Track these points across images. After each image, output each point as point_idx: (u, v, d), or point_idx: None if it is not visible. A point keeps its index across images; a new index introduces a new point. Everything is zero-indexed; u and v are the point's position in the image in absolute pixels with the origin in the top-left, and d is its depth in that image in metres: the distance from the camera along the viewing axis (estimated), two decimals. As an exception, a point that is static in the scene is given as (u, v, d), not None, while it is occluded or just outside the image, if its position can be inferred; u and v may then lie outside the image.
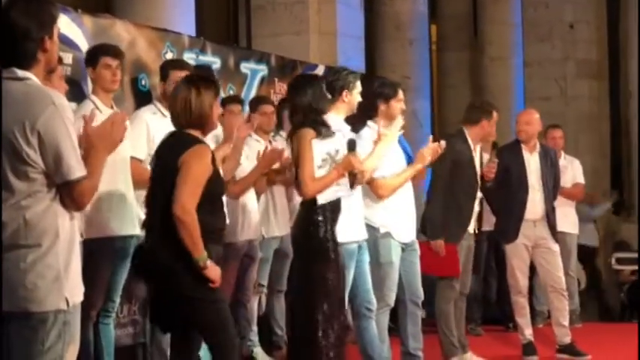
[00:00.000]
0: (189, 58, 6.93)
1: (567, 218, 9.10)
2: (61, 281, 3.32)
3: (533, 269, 7.80)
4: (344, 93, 5.78)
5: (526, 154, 7.53)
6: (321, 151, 5.32)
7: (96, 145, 3.43)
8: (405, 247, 6.25)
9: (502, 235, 7.69)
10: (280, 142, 6.95)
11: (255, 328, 7.05)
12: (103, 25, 6.28)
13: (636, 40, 14.67)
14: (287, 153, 6.17)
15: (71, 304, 3.35)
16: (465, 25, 15.05)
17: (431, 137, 6.43)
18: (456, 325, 7.10)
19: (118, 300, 5.63)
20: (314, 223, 5.28)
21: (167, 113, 5.85)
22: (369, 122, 6.24)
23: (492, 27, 14.44)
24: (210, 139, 5.10)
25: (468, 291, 7.44)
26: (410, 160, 6.33)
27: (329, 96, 5.53)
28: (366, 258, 5.83)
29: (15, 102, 3.27)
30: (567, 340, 7.51)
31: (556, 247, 7.55)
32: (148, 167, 5.61)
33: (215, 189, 4.58)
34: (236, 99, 6.95)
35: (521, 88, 14.53)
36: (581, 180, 9.60)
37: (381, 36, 12.71)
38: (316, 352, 5.24)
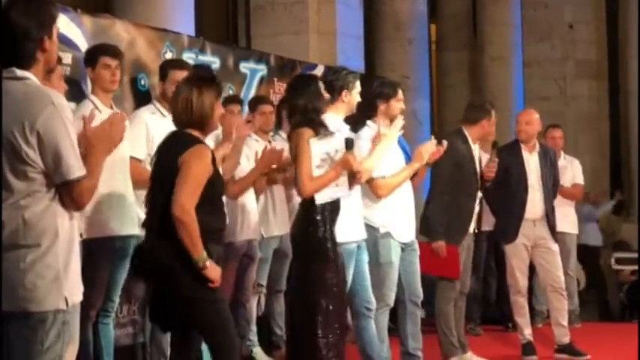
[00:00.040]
0: (189, 58, 6.93)
1: (567, 218, 9.09)
2: (61, 281, 3.32)
3: (532, 269, 7.80)
4: (343, 93, 5.78)
5: (525, 154, 7.53)
6: (320, 151, 5.31)
7: (94, 146, 3.43)
8: (405, 247, 6.25)
9: (502, 235, 7.68)
10: (279, 142, 6.94)
11: (254, 327, 7.05)
12: (102, 25, 6.28)
13: (636, 40, 14.68)
14: (287, 153, 6.16)
15: (70, 303, 3.35)
16: (465, 25, 15.06)
17: (433, 137, 6.42)
18: (456, 325, 7.09)
19: (117, 300, 5.63)
20: (313, 223, 5.28)
21: (166, 113, 5.88)
22: (369, 122, 6.23)
23: (492, 27, 14.46)
24: (210, 139, 5.10)
25: (468, 290, 7.43)
26: (409, 160, 6.32)
27: (327, 95, 5.53)
28: (365, 258, 5.83)
29: (14, 102, 3.28)
30: (566, 340, 7.51)
31: (555, 247, 7.55)
32: (148, 167, 5.62)
33: (215, 189, 4.58)
34: (235, 99, 6.94)
35: (520, 88, 14.54)
36: (580, 180, 9.60)
37: (381, 36, 12.73)
38: (315, 352, 5.24)
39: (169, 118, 5.81)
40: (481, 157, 7.37)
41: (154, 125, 5.81)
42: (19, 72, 3.33)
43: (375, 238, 6.05)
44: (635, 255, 11.84)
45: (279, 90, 7.99)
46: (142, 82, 6.55)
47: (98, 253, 5.30)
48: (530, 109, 8.39)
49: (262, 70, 7.98)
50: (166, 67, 6.10)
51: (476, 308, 9.07)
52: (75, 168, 3.30)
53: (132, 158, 5.60)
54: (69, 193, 3.32)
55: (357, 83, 5.85)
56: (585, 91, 15.45)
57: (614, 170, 15.69)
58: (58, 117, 3.27)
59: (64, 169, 3.28)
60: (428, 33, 13.29)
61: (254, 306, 7.09)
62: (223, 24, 11.99)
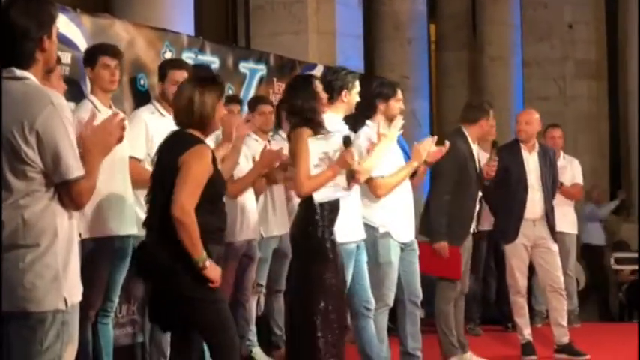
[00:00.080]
0: (188, 57, 6.93)
1: (566, 218, 9.09)
2: (60, 281, 3.32)
3: (532, 269, 7.80)
4: (343, 93, 5.78)
5: (525, 153, 7.52)
6: (318, 151, 5.31)
7: (90, 149, 3.43)
8: (404, 247, 6.25)
9: (502, 235, 7.68)
10: (279, 142, 6.94)
11: (253, 327, 7.05)
12: (101, 25, 6.28)
13: (635, 40, 14.68)
14: (286, 153, 6.16)
15: (70, 303, 3.35)
16: (464, 25, 15.06)
17: (435, 138, 6.41)
18: (456, 325, 7.09)
19: (116, 300, 5.63)
20: (313, 223, 5.28)
21: (166, 113, 5.89)
22: (368, 122, 6.23)
23: (491, 27, 14.45)
24: (210, 139, 5.09)
25: (467, 290, 7.43)
26: (409, 160, 6.31)
27: (324, 95, 5.52)
28: (364, 257, 5.84)
29: (14, 102, 3.28)
30: (565, 339, 7.51)
31: (555, 247, 7.55)
32: (147, 167, 5.62)
33: (216, 189, 4.58)
34: (235, 99, 6.95)
35: (520, 88, 14.54)
36: (579, 180, 9.60)
37: (380, 35, 12.72)
38: (315, 351, 5.24)
39: (169, 117, 5.83)
40: (480, 156, 7.37)
41: (153, 125, 5.81)
42: (19, 72, 3.33)
43: (374, 238, 6.05)
44: (634, 255, 11.84)
45: (278, 90, 7.98)
46: (142, 82, 6.55)
47: (97, 253, 5.30)
48: (530, 109, 8.39)
49: (262, 69, 7.98)
50: (165, 67, 6.10)
51: (475, 308, 9.07)
52: (74, 168, 3.30)
53: (131, 158, 5.60)
54: (68, 193, 3.32)
55: (357, 83, 5.85)
56: (585, 91, 15.45)
57: (614, 170, 15.68)
58: (57, 117, 3.27)
59: (63, 169, 3.28)
60: (427, 33, 13.29)
61: (253, 306, 7.09)
62: (223, 24, 12.00)
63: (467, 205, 7.01)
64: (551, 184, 7.65)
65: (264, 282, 7.16)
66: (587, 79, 15.48)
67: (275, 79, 8.11)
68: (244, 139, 5.98)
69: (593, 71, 15.53)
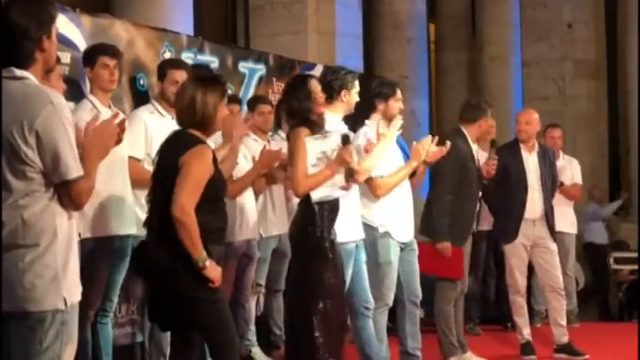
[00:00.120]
0: (188, 57, 6.93)
1: (565, 218, 9.09)
2: (59, 281, 3.32)
3: (531, 269, 7.80)
4: (342, 93, 5.78)
5: (525, 153, 7.52)
6: (316, 150, 5.31)
7: (89, 150, 3.43)
8: (404, 247, 6.25)
9: (501, 234, 7.67)
10: (278, 142, 6.94)
11: (253, 327, 7.05)
12: (101, 25, 6.28)
13: (635, 40, 14.68)
14: (286, 153, 6.16)
15: (69, 303, 3.35)
16: (464, 25, 15.06)
17: (436, 138, 6.40)
18: (455, 325, 7.09)
19: (116, 299, 5.63)
20: (312, 223, 5.28)
21: (165, 113, 5.89)
22: (367, 122, 6.23)
23: (491, 27, 14.46)
24: (210, 140, 5.09)
25: (467, 290, 7.43)
26: (408, 160, 6.31)
27: (321, 95, 5.51)
28: (363, 257, 5.84)
29: (13, 101, 3.27)
30: (565, 339, 7.51)
31: (554, 247, 7.55)
32: (146, 166, 5.62)
33: (216, 189, 4.57)
34: (234, 99, 6.94)
35: (519, 87, 14.55)
36: (579, 180, 9.60)
37: (380, 35, 12.73)
38: (313, 351, 5.24)
39: (168, 117, 5.84)
40: (479, 155, 7.36)
41: (152, 125, 5.81)
42: (18, 72, 3.33)
43: (374, 238, 6.05)
44: (633, 255, 11.85)
45: (277, 90, 7.98)
46: (141, 82, 6.55)
47: (97, 252, 5.30)
48: (530, 109, 8.40)
49: (261, 69, 7.98)
50: (165, 67, 6.09)
51: (475, 308, 9.07)
52: (73, 168, 3.30)
53: (131, 158, 5.59)
54: (67, 193, 3.32)
55: (356, 83, 5.85)
56: (584, 91, 15.45)
57: (613, 170, 15.69)
58: (56, 117, 3.27)
59: (62, 169, 3.28)
60: (427, 32, 13.30)
61: (253, 306, 7.08)
62: (222, 24, 12.01)
63: (468, 205, 7.01)
64: (551, 184, 7.65)
65: (263, 282, 7.16)
66: (586, 79, 15.48)
67: (274, 79, 8.11)
68: (243, 138, 5.98)
69: (592, 71, 15.54)
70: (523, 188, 7.44)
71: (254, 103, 7.17)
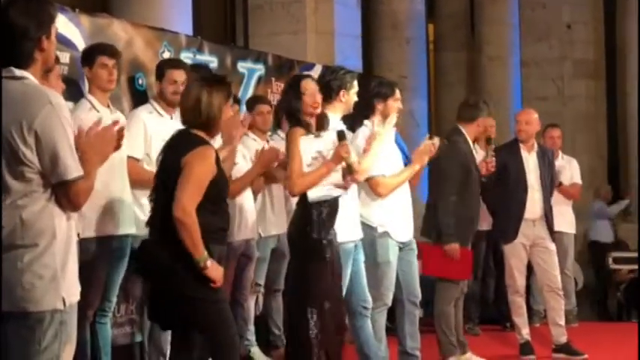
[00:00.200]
0: (187, 57, 6.93)
1: (564, 218, 9.09)
2: (58, 281, 3.31)
3: (530, 269, 7.80)
4: (341, 92, 5.78)
5: (524, 153, 7.52)
6: (311, 149, 5.31)
7: (88, 153, 3.42)
8: (403, 247, 6.24)
9: (501, 235, 7.67)
10: (277, 142, 6.93)
11: (252, 327, 7.05)
12: (100, 25, 6.28)
13: (634, 40, 14.70)
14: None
15: (68, 303, 3.35)
16: (463, 25, 15.07)
17: (427, 136, 6.40)
18: (455, 325, 7.08)
19: (114, 299, 5.63)
20: (310, 223, 5.28)
21: (164, 112, 5.89)
22: (366, 122, 6.23)
23: (490, 27, 14.47)
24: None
25: (467, 290, 7.43)
26: (407, 160, 6.31)
27: (319, 95, 5.51)
28: (362, 257, 5.84)
29: (12, 101, 3.27)
30: (563, 339, 7.51)
31: (553, 247, 7.55)
32: (145, 166, 5.62)
33: (219, 190, 4.56)
34: (233, 99, 6.93)
35: (518, 87, 14.56)
36: (578, 180, 9.60)
37: (378, 35, 12.74)
38: (312, 351, 5.24)
39: (167, 117, 5.85)
40: (475, 154, 7.35)
41: (151, 125, 5.81)
42: (18, 71, 3.32)
43: (372, 238, 6.05)
44: (632, 254, 11.85)
45: (276, 90, 7.98)
46: (140, 82, 6.55)
47: (96, 252, 5.30)
48: (530, 109, 8.39)
49: (260, 69, 7.98)
50: (163, 67, 6.09)
51: (474, 308, 9.06)
52: (72, 168, 3.29)
53: (130, 158, 5.59)
54: (66, 194, 3.32)
55: (355, 83, 5.85)
56: (583, 91, 15.47)
57: (612, 170, 15.70)
58: (55, 117, 3.27)
59: (61, 169, 3.28)
60: (425, 32, 13.31)
61: (252, 305, 7.08)
62: (221, 23, 12.01)
63: (472, 205, 7.00)
64: (550, 184, 7.65)
65: (262, 281, 7.16)
66: (585, 79, 15.50)
67: (273, 78, 8.11)
68: (241, 138, 5.98)
69: (591, 71, 15.55)
70: (523, 188, 7.43)
71: (253, 103, 7.17)
